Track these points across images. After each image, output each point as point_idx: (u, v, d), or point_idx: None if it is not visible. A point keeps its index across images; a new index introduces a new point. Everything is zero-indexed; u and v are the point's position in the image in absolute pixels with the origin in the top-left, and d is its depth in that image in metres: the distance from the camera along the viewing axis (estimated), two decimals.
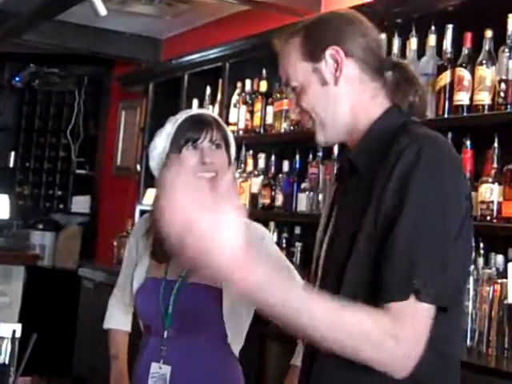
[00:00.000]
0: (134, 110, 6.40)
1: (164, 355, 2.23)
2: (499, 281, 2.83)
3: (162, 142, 2.33)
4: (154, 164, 2.36)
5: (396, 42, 3.39)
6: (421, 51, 3.30)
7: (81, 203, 7.10)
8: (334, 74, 1.64)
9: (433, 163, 1.49)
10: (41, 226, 6.79)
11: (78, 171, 7.22)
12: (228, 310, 2.19)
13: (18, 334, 1.51)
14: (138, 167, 5.77)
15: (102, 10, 4.56)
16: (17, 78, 7.23)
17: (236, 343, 2.27)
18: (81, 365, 5.58)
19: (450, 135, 3.10)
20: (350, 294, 1.51)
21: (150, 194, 5.41)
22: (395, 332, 1.42)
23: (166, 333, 2.24)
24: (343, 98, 1.65)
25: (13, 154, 7.36)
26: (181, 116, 2.34)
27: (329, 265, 1.64)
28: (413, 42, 3.32)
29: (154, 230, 2.35)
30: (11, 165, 7.37)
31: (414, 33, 3.32)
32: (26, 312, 5.37)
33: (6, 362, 1.49)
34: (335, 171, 1.89)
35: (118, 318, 2.52)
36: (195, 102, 4.94)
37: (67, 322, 5.87)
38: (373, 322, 1.43)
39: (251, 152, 4.35)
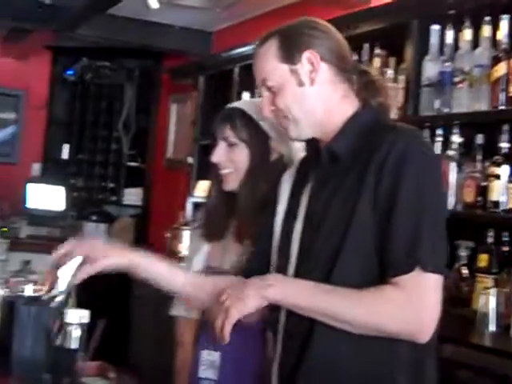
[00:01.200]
0: (184, 103, 6.45)
1: (213, 342, 2.26)
2: None
3: None
4: None
5: (450, 33, 3.37)
6: (475, 42, 3.28)
7: (133, 195, 7.17)
8: (309, 75, 1.79)
9: (421, 154, 1.68)
10: (94, 218, 6.87)
11: (130, 164, 7.29)
12: None
13: (86, 320, 1.55)
14: (190, 159, 5.82)
15: (154, 4, 4.61)
16: (69, 72, 7.33)
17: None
18: (137, 355, 5.65)
19: (506, 127, 3.08)
20: (343, 278, 1.66)
21: (201, 187, 5.46)
22: (407, 301, 1.59)
23: None
24: (318, 97, 1.80)
25: (66, 146, 7.46)
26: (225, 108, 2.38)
27: (311, 252, 1.74)
28: (466, 33, 3.29)
29: (205, 209, 2.40)
30: (65, 157, 7.47)
31: (468, 23, 3.29)
32: (81, 302, 5.45)
33: (75, 347, 1.53)
34: (296, 165, 2.02)
35: (184, 305, 2.56)
36: (246, 94, 4.95)
37: (122, 312, 5.94)
38: (383, 295, 1.61)
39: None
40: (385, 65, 3.77)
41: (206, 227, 2.40)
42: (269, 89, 1.82)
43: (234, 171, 2.29)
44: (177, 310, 2.57)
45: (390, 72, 3.70)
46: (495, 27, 3.17)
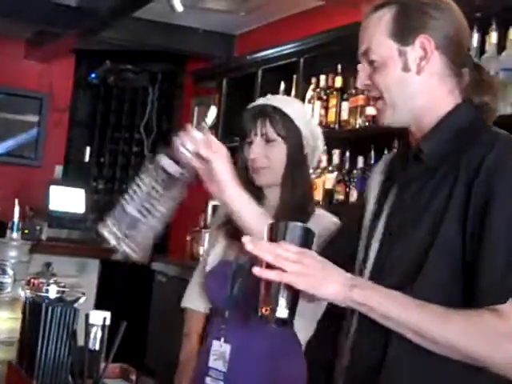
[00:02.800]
0: (207, 106, 6.43)
1: (224, 334, 2.27)
2: None
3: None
4: None
5: (476, 36, 3.33)
6: (501, 45, 3.24)
7: None
8: (419, 63, 1.59)
9: None
10: None
11: None
12: None
13: (108, 322, 1.54)
14: None
15: (179, 7, 4.61)
16: (92, 75, 7.35)
17: (303, 332, 2.27)
18: (153, 357, 5.66)
19: None
20: (423, 293, 1.48)
21: None
22: (504, 331, 1.40)
23: (227, 313, 2.28)
24: (422, 88, 1.60)
25: (88, 149, 7.49)
26: (250, 105, 2.36)
27: (387, 260, 1.60)
28: (493, 36, 3.26)
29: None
30: (86, 159, 7.49)
31: (494, 26, 3.26)
32: (100, 305, 5.45)
33: (97, 349, 1.53)
34: (386, 162, 1.83)
35: (194, 299, 2.57)
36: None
37: (140, 315, 5.94)
38: (483, 322, 1.42)
39: (325, 148, 4.34)
40: None
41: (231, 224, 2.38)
42: (370, 62, 1.63)
43: (270, 167, 2.29)
44: (187, 303, 2.58)
45: None
46: None
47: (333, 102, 4.29)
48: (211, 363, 2.28)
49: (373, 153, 4.02)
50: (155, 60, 7.20)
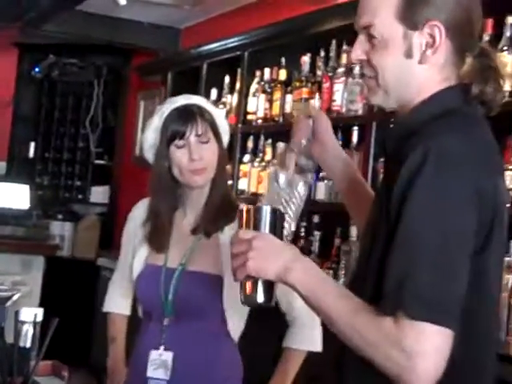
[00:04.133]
0: (152, 100, 6.40)
1: (164, 342, 2.24)
2: None
3: (151, 134, 2.33)
4: (150, 155, 2.36)
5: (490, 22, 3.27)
6: None
7: (99, 193, 7.12)
8: (424, 51, 1.45)
9: (439, 168, 1.33)
10: (60, 217, 6.81)
11: (97, 161, 7.23)
12: (228, 297, 2.18)
13: (40, 318, 1.51)
14: None
15: (122, 0, 4.57)
16: (36, 69, 7.24)
17: (236, 330, 2.28)
18: (98, 355, 5.60)
19: None
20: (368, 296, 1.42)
21: None
22: (398, 341, 1.32)
23: (166, 320, 2.25)
24: (420, 77, 1.47)
25: (32, 144, 7.38)
26: (166, 108, 2.30)
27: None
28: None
29: (151, 220, 2.35)
30: (31, 155, 7.39)
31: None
32: (45, 302, 5.39)
33: (28, 346, 1.50)
34: None
35: (117, 302, 2.56)
36: (214, 91, 4.93)
37: (86, 311, 5.89)
38: (381, 326, 1.35)
39: (270, 141, 4.34)
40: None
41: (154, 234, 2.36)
42: (369, 37, 1.48)
43: (207, 168, 2.28)
44: (110, 307, 2.56)
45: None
46: None
47: (277, 95, 4.28)
48: (150, 373, 2.23)
49: None
50: (100, 54, 7.13)
